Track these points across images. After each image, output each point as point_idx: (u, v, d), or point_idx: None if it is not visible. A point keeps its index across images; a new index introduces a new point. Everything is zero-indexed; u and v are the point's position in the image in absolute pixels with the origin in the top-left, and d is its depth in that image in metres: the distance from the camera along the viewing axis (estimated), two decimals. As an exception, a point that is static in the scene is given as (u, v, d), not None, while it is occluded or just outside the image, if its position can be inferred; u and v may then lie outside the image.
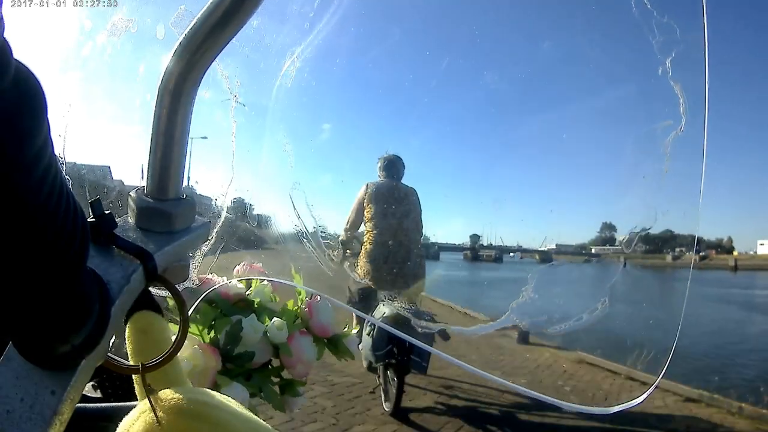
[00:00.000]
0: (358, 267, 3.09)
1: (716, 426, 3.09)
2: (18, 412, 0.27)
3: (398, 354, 2.76)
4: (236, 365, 0.67)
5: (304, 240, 0.90)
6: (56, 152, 0.23)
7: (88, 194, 0.67)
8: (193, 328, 0.66)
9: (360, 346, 2.95)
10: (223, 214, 0.66)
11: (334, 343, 0.77)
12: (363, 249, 3.10)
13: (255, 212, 0.90)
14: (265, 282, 0.73)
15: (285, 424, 2.59)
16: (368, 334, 2.85)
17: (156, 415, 0.32)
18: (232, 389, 0.64)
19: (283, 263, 0.79)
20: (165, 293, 0.41)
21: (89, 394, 0.67)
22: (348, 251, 3.29)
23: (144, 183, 0.38)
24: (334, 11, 0.80)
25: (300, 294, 0.76)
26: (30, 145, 0.20)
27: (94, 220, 0.33)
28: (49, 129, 0.22)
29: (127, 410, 0.35)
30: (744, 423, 3.14)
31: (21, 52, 0.20)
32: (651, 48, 0.64)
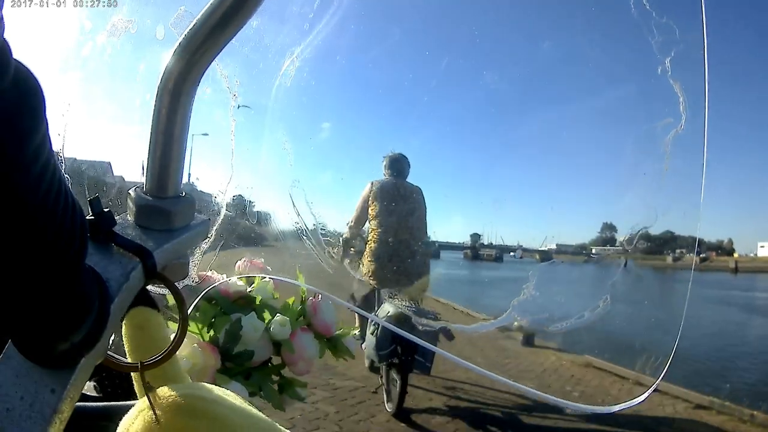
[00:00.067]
0: (363, 266, 3.08)
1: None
2: (18, 411, 0.27)
3: (402, 354, 2.73)
4: (236, 364, 0.67)
5: (304, 237, 0.90)
6: (55, 151, 0.23)
7: (87, 192, 0.67)
8: (192, 327, 0.66)
9: (363, 345, 2.93)
10: (223, 211, 0.66)
11: (333, 343, 0.77)
12: (367, 247, 3.08)
13: (255, 209, 0.91)
14: (267, 279, 0.74)
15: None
16: (372, 333, 2.82)
17: (155, 413, 0.33)
18: (230, 388, 0.64)
19: (284, 261, 0.79)
20: (164, 291, 0.41)
21: (90, 394, 0.67)
22: (352, 249, 3.29)
23: (143, 180, 0.38)
24: (333, 12, 0.80)
25: (303, 292, 0.76)
26: (29, 145, 0.21)
27: (93, 217, 0.33)
28: (48, 128, 0.22)
29: (126, 409, 0.35)
30: (757, 431, 3.07)
31: (21, 52, 0.20)
32: (650, 48, 0.64)
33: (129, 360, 0.37)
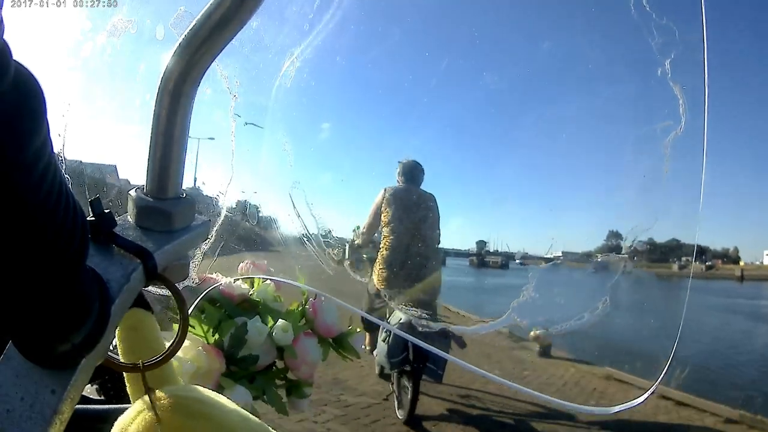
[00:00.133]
0: (375, 274, 3.06)
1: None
2: (18, 411, 0.27)
3: (414, 361, 2.72)
4: (240, 368, 0.67)
5: (309, 242, 0.90)
6: (56, 152, 0.23)
7: (87, 193, 0.67)
8: (197, 330, 0.66)
9: (374, 353, 2.93)
10: (223, 212, 0.66)
11: (340, 343, 0.76)
12: (380, 255, 3.05)
13: (261, 214, 0.91)
14: (269, 281, 0.73)
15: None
16: (383, 341, 2.82)
17: (156, 414, 0.33)
18: (235, 392, 0.64)
19: (290, 265, 0.79)
20: (165, 292, 0.41)
21: (91, 396, 0.67)
22: (365, 255, 3.27)
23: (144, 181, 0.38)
24: (333, 12, 0.80)
25: (304, 295, 0.76)
26: (30, 146, 0.21)
27: (93, 219, 0.33)
28: (49, 129, 0.22)
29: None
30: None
31: (21, 53, 0.20)
32: (650, 49, 0.64)
33: (120, 359, 0.37)
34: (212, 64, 0.35)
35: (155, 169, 0.37)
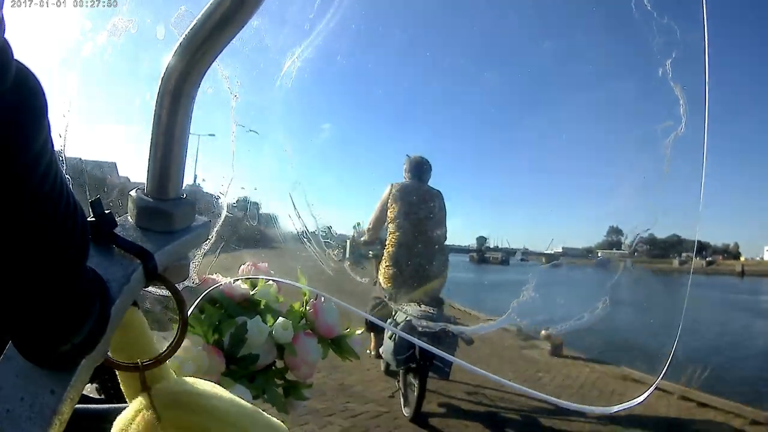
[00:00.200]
0: (381, 272, 3.04)
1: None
2: (17, 412, 0.27)
3: (420, 358, 2.69)
4: (240, 367, 0.67)
5: (309, 242, 0.90)
6: (56, 151, 0.23)
7: (88, 194, 0.67)
8: (197, 329, 0.66)
9: (381, 350, 2.90)
10: (224, 212, 0.66)
11: (338, 344, 0.77)
12: (386, 252, 3.03)
13: (261, 212, 0.91)
14: (270, 282, 0.74)
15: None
16: (390, 338, 2.78)
17: (156, 412, 0.33)
18: (235, 391, 0.64)
19: (290, 264, 0.79)
20: (165, 292, 0.41)
21: (92, 396, 0.67)
22: (371, 252, 3.24)
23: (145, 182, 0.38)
24: (334, 12, 0.80)
25: (305, 295, 0.76)
26: (30, 146, 0.21)
27: (94, 219, 0.33)
28: (50, 129, 0.22)
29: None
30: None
31: (21, 52, 0.20)
32: (651, 49, 0.64)
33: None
34: (213, 64, 0.35)
35: (156, 169, 0.37)
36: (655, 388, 0.67)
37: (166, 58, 0.34)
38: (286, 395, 0.73)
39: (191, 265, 0.46)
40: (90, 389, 0.66)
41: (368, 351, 3.57)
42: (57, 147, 0.23)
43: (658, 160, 0.67)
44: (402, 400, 2.93)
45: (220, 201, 0.67)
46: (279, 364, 0.73)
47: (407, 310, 2.67)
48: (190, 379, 0.38)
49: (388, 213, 3.05)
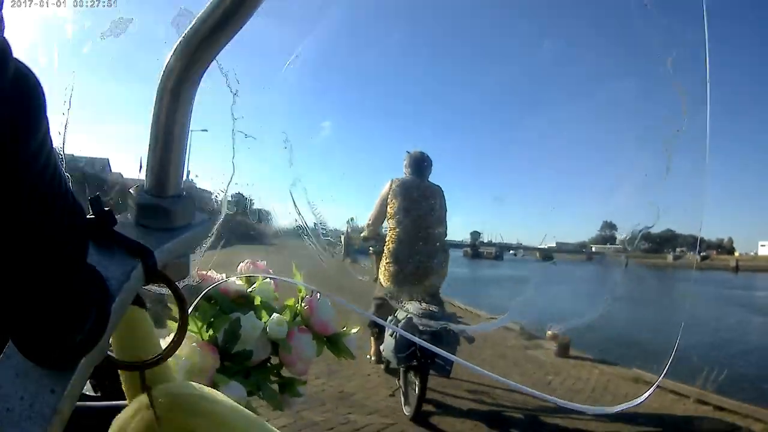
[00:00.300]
0: (381, 269, 3.01)
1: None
2: (17, 411, 0.27)
3: (421, 356, 2.64)
4: (234, 363, 0.67)
5: (308, 239, 0.90)
6: (55, 149, 0.23)
7: (87, 191, 0.67)
8: (192, 326, 0.66)
9: (382, 348, 2.87)
10: (223, 210, 0.66)
11: (334, 342, 0.77)
12: (386, 249, 3.01)
13: (255, 207, 0.90)
14: (268, 280, 0.74)
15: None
16: (391, 335, 2.75)
17: (155, 412, 0.33)
18: (229, 388, 0.64)
19: (286, 260, 0.78)
20: (165, 290, 0.41)
21: (88, 393, 0.67)
22: (370, 248, 3.21)
23: (143, 178, 0.38)
24: (334, 11, 0.80)
25: (300, 292, 0.76)
26: (29, 143, 0.21)
27: (93, 216, 0.33)
28: (48, 127, 0.22)
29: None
30: None
31: (21, 52, 0.20)
32: (652, 48, 0.64)
33: (115, 356, 0.37)
34: (212, 63, 0.35)
35: (155, 167, 0.37)
36: (654, 391, 0.67)
37: (166, 57, 0.34)
38: (281, 392, 0.73)
39: (191, 262, 0.46)
40: (86, 386, 0.66)
41: (368, 356, 3.56)
42: (56, 145, 0.23)
43: (659, 158, 0.67)
44: (402, 398, 2.90)
45: (218, 198, 0.66)
46: (274, 360, 0.73)
47: (408, 308, 2.66)
48: (194, 384, 0.38)
49: (388, 208, 3.02)
